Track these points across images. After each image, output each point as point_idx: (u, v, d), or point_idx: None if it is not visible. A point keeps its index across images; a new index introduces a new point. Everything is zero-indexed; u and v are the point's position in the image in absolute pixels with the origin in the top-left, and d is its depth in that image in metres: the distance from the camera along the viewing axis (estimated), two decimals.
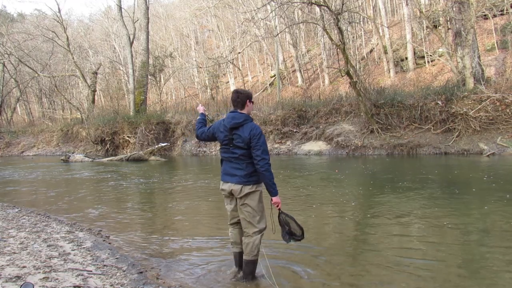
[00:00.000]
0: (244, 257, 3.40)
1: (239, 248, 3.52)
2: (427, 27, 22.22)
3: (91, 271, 3.56)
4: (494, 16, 20.41)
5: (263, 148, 3.28)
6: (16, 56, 29.68)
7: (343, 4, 14.51)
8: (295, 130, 17.64)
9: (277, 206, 3.41)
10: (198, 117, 3.88)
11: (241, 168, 3.33)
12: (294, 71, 29.91)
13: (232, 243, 3.55)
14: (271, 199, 3.38)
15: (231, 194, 3.42)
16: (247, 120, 3.35)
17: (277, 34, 24.10)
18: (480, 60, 14.99)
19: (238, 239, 3.50)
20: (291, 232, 3.44)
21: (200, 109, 3.98)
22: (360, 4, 28.37)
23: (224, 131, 3.40)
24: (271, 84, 30.36)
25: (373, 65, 25.17)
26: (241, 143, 3.29)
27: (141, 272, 3.60)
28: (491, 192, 6.77)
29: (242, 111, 3.39)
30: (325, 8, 14.61)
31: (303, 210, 6.11)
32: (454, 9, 14.55)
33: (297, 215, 3.80)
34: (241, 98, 3.41)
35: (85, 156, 18.75)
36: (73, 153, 20.78)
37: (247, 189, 3.31)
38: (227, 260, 3.92)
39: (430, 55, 21.11)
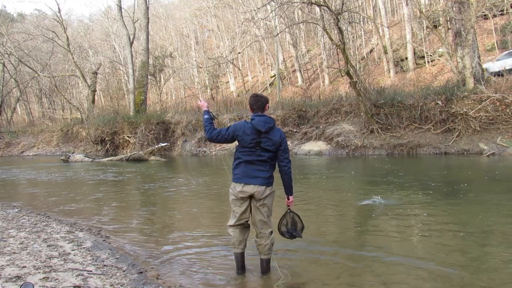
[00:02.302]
0: (263, 257, 3.49)
1: (241, 249, 3.53)
2: (427, 27, 22.23)
3: (91, 271, 3.56)
4: (494, 16, 20.41)
5: (288, 151, 3.56)
6: (16, 56, 29.68)
7: (343, 4, 14.50)
8: (295, 130, 17.64)
9: (291, 204, 3.64)
10: (205, 116, 3.59)
11: (265, 170, 3.42)
12: (294, 71, 29.91)
13: (234, 242, 3.52)
14: (288, 198, 3.60)
15: (250, 197, 3.41)
16: (275, 123, 3.52)
17: (277, 34, 24.09)
18: (480, 60, 14.99)
19: (241, 237, 3.50)
20: (297, 228, 3.70)
21: (204, 105, 3.72)
22: (360, 4, 28.38)
23: (252, 133, 3.40)
24: (271, 84, 30.37)
25: (373, 65, 25.17)
26: (271, 147, 3.42)
27: (141, 272, 3.60)
28: None
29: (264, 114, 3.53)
30: (325, 8, 14.60)
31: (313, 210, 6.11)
32: (454, 9, 14.54)
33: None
34: (262, 101, 3.54)
35: (85, 156, 18.76)
36: (73, 153, 20.79)
37: (268, 190, 3.43)
38: (228, 259, 3.92)
39: (430, 55, 21.11)
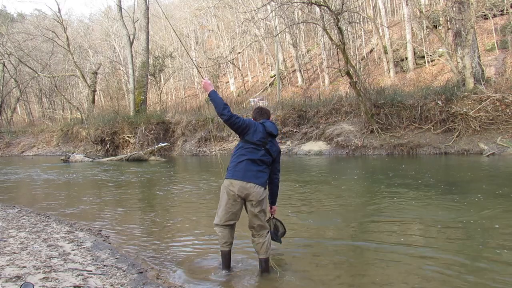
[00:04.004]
0: (262, 256, 3.49)
1: (229, 247, 3.56)
2: (427, 27, 22.22)
3: (91, 271, 3.56)
4: (494, 16, 20.41)
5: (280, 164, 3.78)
6: (16, 56, 29.70)
7: (343, 4, 14.51)
8: (295, 130, 17.64)
9: (274, 212, 3.87)
10: (218, 95, 3.45)
11: (265, 172, 3.51)
12: (294, 71, 29.91)
13: (224, 243, 3.53)
14: (272, 207, 3.81)
15: (244, 199, 3.42)
16: None
17: (277, 34, 24.10)
18: (480, 60, 14.99)
19: (229, 236, 3.52)
20: (278, 233, 3.93)
21: (210, 84, 3.55)
22: (360, 4, 28.36)
23: (263, 133, 3.50)
24: (271, 84, 30.35)
25: (373, 65, 25.19)
26: (273, 152, 3.56)
27: (141, 272, 3.60)
28: None
29: None
30: (325, 8, 14.61)
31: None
32: (454, 9, 14.54)
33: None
34: (267, 112, 3.78)
35: (85, 156, 18.76)
36: (73, 153, 20.79)
37: (265, 193, 3.50)
38: None
39: (430, 55, 21.11)
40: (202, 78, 3.71)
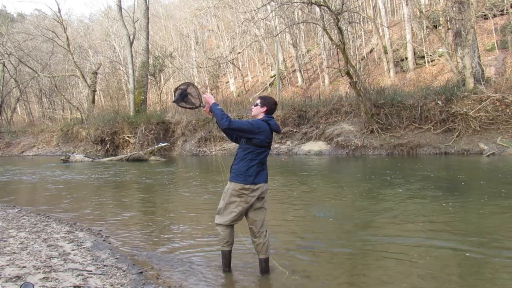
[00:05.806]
0: (262, 256, 3.50)
1: (230, 247, 3.59)
2: (427, 27, 22.21)
3: (91, 271, 3.56)
4: (494, 16, 20.40)
5: None
6: (16, 56, 29.68)
7: (343, 4, 14.51)
8: (295, 130, 17.64)
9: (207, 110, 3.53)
10: (218, 107, 3.42)
11: (266, 168, 3.59)
12: (294, 71, 29.89)
13: (225, 242, 3.54)
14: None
15: (258, 195, 3.47)
16: None
17: (277, 34, 24.09)
18: (480, 60, 14.99)
19: (231, 236, 3.56)
20: (188, 101, 3.62)
21: (212, 98, 3.53)
22: (360, 4, 28.34)
23: (269, 132, 3.50)
24: (271, 84, 30.33)
25: (373, 65, 25.17)
26: (271, 146, 3.64)
27: (141, 272, 3.60)
28: None
29: None
30: (325, 8, 14.62)
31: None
32: (454, 9, 14.55)
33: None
34: (276, 108, 3.73)
35: (85, 156, 18.76)
36: (73, 153, 20.79)
37: (267, 186, 3.58)
38: None
39: (430, 55, 21.11)
40: (203, 93, 3.65)
